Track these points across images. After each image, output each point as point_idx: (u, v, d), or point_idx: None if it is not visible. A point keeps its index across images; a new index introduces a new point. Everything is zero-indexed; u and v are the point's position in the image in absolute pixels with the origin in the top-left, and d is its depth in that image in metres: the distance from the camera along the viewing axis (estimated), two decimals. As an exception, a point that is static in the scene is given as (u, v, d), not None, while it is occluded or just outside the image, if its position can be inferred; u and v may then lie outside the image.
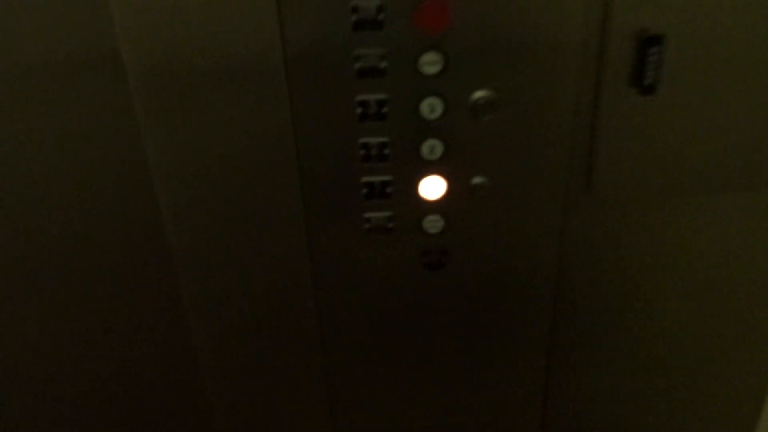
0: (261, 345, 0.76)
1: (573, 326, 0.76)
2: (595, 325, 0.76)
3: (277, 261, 0.70)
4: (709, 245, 0.71)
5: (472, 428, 0.83)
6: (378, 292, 0.73)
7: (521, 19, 0.57)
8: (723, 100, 0.61)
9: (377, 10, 0.56)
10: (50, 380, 0.82)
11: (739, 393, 0.83)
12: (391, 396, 0.80)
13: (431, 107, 0.61)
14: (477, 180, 0.66)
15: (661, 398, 0.82)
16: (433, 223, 0.68)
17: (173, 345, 0.78)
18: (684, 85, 0.60)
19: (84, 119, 0.64)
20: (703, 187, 0.66)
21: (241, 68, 0.59)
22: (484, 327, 0.75)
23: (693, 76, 0.59)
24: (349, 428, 0.82)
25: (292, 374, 0.78)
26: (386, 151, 0.64)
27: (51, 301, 0.75)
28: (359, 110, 0.61)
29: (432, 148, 0.64)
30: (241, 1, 0.56)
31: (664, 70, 0.58)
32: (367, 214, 0.67)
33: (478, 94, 0.61)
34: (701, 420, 0.85)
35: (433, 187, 0.66)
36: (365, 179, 0.65)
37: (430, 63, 0.59)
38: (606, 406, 0.83)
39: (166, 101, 0.61)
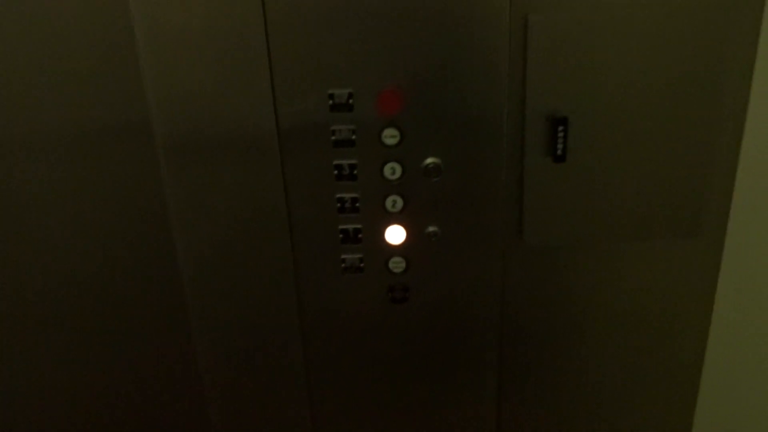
0: (254, 362, 0.91)
1: (518, 349, 0.90)
2: (537, 349, 0.90)
3: (269, 294, 0.85)
4: (627, 283, 0.86)
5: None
6: (352, 321, 0.87)
7: (459, 103, 0.74)
8: (618, 166, 0.77)
9: (348, 96, 0.73)
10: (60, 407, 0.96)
11: (670, 408, 0.95)
12: (367, 410, 0.94)
13: (392, 170, 0.78)
14: (431, 229, 0.81)
15: (599, 416, 0.96)
16: (397, 264, 0.84)
17: (178, 359, 0.92)
18: (587, 154, 0.76)
19: (114, 177, 0.80)
20: (611, 236, 0.81)
21: (244, 138, 0.76)
22: (442, 352, 0.89)
23: (593, 148, 0.76)
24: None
25: (278, 388, 0.92)
26: (357, 205, 0.79)
27: (74, 335, 0.90)
28: (335, 172, 0.78)
29: (394, 202, 0.79)
30: (246, 88, 0.73)
31: (571, 144, 0.75)
32: (343, 256, 0.83)
33: (429, 160, 0.77)
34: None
35: (396, 234, 0.82)
36: (341, 227, 0.81)
37: (390, 136, 0.76)
38: (553, 420, 0.96)
39: (186, 163, 0.77)
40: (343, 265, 0.83)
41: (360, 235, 0.81)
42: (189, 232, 0.82)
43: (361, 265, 0.83)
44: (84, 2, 0.70)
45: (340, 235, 0.81)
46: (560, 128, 0.74)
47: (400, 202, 0.79)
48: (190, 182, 0.79)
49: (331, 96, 0.73)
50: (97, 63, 0.73)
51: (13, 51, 0.73)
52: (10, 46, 0.73)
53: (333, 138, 0.76)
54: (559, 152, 0.75)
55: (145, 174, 0.79)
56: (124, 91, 0.75)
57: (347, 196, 0.79)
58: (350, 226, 0.81)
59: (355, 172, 0.78)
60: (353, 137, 0.76)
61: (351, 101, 0.74)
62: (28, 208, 0.81)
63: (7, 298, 0.87)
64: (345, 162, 0.77)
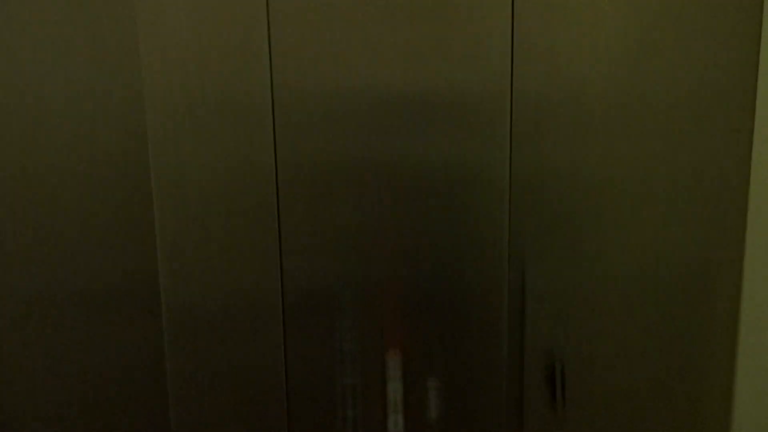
0: None
1: None
2: None
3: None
4: None
5: None
6: None
7: (460, 355, 0.75)
8: (614, 410, 0.79)
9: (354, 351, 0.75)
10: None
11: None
12: None
13: (394, 393, 0.80)
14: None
15: None
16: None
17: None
18: (584, 399, 0.78)
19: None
20: None
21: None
22: None
23: (591, 393, 0.77)
24: None
25: None
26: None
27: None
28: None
29: (396, 423, 0.82)
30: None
31: (569, 389, 0.77)
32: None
33: (431, 390, 0.79)
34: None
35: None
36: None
37: (392, 358, 0.77)
38: None
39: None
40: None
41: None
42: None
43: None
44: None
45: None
46: (558, 375, 0.75)
47: (401, 423, 0.81)
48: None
49: (340, 346, 0.75)
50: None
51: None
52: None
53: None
54: (557, 398, 0.77)
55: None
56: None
57: (349, 414, 0.81)
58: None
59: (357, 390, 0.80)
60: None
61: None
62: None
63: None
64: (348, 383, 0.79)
